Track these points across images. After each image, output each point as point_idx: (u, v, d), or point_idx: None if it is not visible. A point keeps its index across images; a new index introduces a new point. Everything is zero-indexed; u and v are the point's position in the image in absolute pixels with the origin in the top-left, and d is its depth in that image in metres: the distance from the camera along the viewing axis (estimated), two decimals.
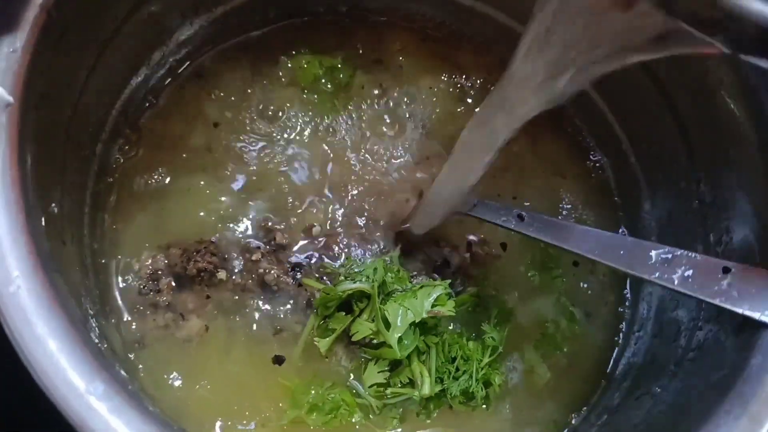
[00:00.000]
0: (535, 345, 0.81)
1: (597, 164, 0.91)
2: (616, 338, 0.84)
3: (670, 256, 0.61)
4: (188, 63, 0.87)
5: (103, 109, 0.78)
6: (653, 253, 0.62)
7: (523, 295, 0.83)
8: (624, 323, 0.84)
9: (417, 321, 0.73)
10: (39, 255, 0.50)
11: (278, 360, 0.76)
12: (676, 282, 0.60)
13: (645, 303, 0.83)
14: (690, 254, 0.61)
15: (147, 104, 0.84)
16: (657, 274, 0.61)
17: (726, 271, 0.59)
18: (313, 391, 0.74)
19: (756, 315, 0.56)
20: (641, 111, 0.83)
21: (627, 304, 0.85)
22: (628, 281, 0.86)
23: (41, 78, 0.58)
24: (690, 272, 0.60)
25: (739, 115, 0.68)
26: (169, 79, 0.86)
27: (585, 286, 0.85)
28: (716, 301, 0.58)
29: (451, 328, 0.79)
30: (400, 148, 0.88)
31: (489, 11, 0.91)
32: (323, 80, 0.89)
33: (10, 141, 0.52)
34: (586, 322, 0.83)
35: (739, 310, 0.57)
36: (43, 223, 0.57)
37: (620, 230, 0.89)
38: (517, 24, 0.90)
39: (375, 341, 0.75)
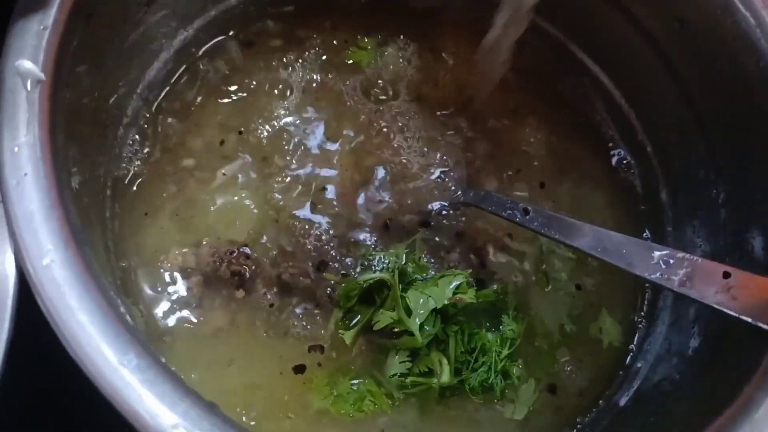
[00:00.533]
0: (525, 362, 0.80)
1: (622, 159, 0.91)
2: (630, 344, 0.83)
3: (671, 257, 0.62)
4: (213, 49, 0.87)
5: (125, 91, 0.77)
6: (656, 254, 0.63)
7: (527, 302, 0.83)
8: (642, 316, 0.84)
9: (438, 307, 0.73)
10: (71, 229, 0.51)
11: (299, 369, 0.76)
12: (676, 283, 0.61)
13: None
14: (692, 257, 0.61)
15: (168, 90, 0.84)
16: (658, 275, 0.62)
17: (726, 275, 0.59)
18: (338, 383, 0.75)
19: (752, 320, 0.57)
20: (657, 99, 0.84)
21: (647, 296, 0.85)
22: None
23: (71, 57, 0.58)
24: (690, 275, 0.61)
25: (757, 104, 0.68)
26: (192, 66, 0.86)
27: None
28: (714, 304, 0.59)
29: (470, 313, 0.79)
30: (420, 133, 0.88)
31: None
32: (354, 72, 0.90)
33: (42, 116, 0.53)
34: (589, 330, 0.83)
35: (735, 314, 0.58)
36: (74, 200, 0.57)
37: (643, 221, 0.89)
38: None
39: (396, 330, 0.75)
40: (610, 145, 0.91)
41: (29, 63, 0.53)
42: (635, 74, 0.85)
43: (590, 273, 0.84)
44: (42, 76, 0.54)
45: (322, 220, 0.82)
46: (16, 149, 0.51)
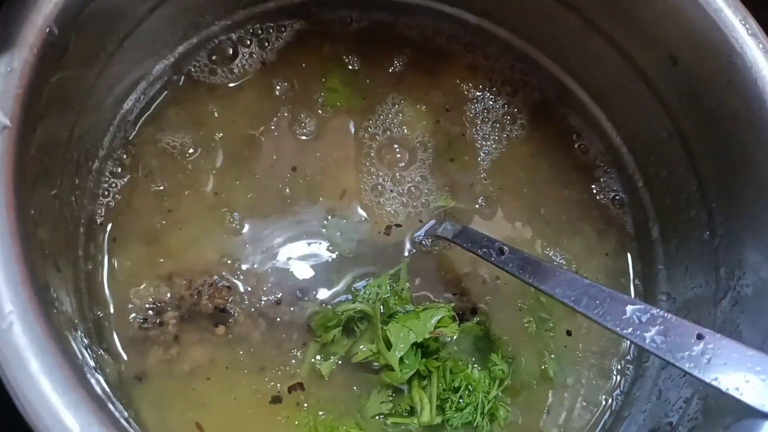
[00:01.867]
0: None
1: (614, 194, 0.89)
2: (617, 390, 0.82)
3: (645, 313, 0.59)
4: (189, 80, 0.85)
5: (102, 125, 0.76)
6: (629, 308, 0.60)
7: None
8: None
9: (419, 341, 0.72)
10: (33, 287, 0.48)
11: (276, 400, 0.74)
12: (647, 341, 0.58)
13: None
14: (666, 315, 0.59)
15: (145, 120, 0.82)
16: (629, 330, 0.59)
17: (700, 337, 0.57)
18: (317, 423, 0.73)
19: (723, 387, 0.55)
20: (649, 135, 0.82)
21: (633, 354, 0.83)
22: None
23: (40, 98, 0.56)
24: (663, 333, 0.58)
25: (751, 148, 0.67)
26: (171, 95, 0.84)
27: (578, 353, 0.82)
28: (684, 367, 0.56)
29: (455, 349, 0.78)
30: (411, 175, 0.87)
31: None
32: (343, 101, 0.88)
33: (5, 166, 0.50)
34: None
35: (707, 380, 0.55)
36: (39, 250, 0.55)
37: (628, 258, 0.88)
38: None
39: (376, 365, 0.74)
40: (602, 180, 0.89)
41: None
42: (628, 109, 0.84)
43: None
44: (8, 122, 0.51)
45: (302, 246, 0.80)
46: None
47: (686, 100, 0.74)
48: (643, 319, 0.59)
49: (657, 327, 0.59)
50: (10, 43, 0.53)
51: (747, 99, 0.66)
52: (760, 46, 0.66)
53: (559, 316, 0.82)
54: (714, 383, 0.55)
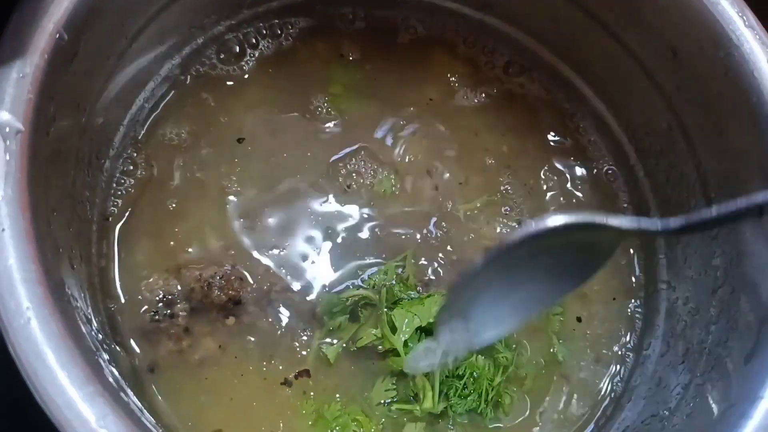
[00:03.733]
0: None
1: (609, 175, 0.91)
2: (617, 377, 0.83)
3: None
4: (195, 79, 0.87)
5: (111, 125, 0.77)
6: None
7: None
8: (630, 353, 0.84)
9: (423, 326, 0.74)
10: (49, 285, 0.50)
11: (287, 383, 0.76)
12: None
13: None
14: None
15: (154, 119, 0.84)
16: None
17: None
18: (324, 410, 0.75)
19: None
20: (649, 127, 0.83)
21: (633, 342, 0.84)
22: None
23: (51, 102, 0.57)
24: None
25: (749, 139, 0.67)
26: (178, 94, 0.85)
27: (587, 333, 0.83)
28: None
29: None
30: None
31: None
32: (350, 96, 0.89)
33: (20, 169, 0.52)
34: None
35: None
36: (54, 249, 0.56)
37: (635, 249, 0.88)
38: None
39: (380, 349, 0.75)
40: (603, 169, 0.90)
41: (7, 114, 0.52)
42: (629, 100, 0.85)
43: (589, 302, 0.84)
44: (21, 126, 0.53)
45: (309, 235, 0.81)
46: None
47: (685, 92, 0.75)
48: None
49: None
50: (21, 49, 0.54)
51: (745, 90, 0.67)
52: (757, 38, 0.67)
53: (568, 303, 0.83)
54: None
